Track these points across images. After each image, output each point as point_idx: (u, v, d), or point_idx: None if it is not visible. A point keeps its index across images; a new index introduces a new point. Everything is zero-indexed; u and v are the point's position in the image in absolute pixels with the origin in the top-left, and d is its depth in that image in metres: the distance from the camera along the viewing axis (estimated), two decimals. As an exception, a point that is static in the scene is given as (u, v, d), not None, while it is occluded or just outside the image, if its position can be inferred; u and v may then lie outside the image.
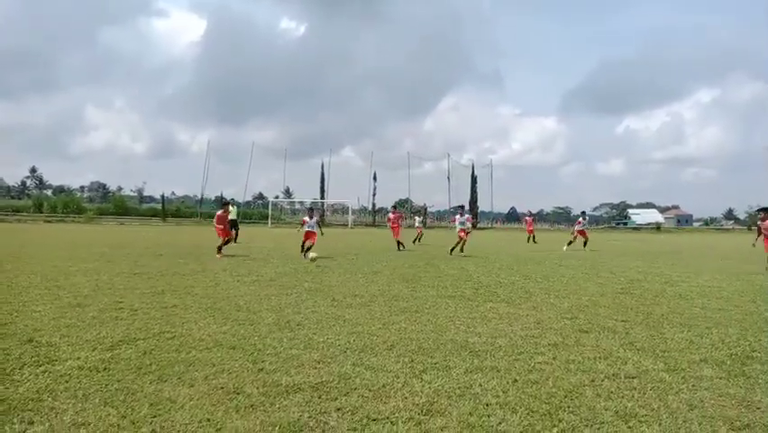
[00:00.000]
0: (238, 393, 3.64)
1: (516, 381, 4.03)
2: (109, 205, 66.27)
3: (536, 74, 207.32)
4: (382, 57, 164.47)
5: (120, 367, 4.18)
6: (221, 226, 15.35)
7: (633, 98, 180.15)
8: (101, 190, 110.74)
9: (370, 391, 3.74)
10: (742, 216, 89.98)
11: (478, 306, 7.31)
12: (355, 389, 3.77)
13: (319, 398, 3.58)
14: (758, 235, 11.76)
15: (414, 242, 22.99)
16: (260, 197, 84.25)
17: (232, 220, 21.21)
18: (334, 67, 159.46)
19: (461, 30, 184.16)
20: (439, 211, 74.89)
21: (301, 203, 76.24)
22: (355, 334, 5.44)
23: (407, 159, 68.52)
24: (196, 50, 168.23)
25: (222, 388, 3.74)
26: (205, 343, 4.97)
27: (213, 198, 66.97)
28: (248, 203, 73.74)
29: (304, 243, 14.16)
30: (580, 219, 24.33)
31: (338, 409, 3.38)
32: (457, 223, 17.57)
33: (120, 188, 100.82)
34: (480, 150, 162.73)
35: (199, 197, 66.63)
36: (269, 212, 54.13)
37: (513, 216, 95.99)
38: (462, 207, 18.68)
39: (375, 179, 65.03)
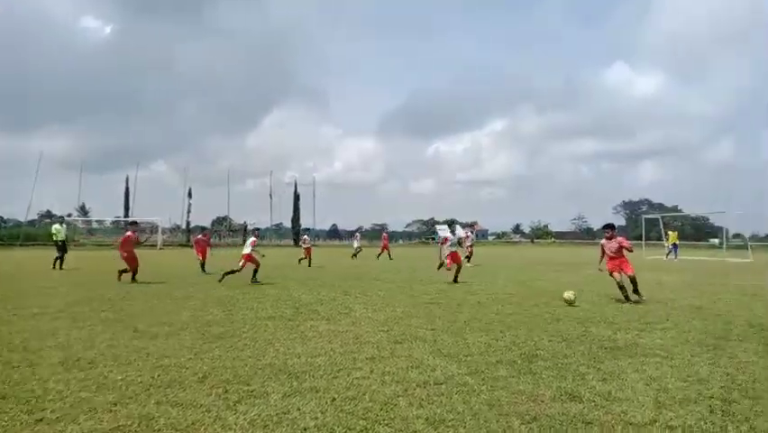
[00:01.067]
0: (5, 454, 3.00)
1: (334, 399, 4.02)
2: None
3: (358, 95, 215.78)
4: (203, 67, 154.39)
5: None
6: (125, 253, 13.31)
7: (442, 124, 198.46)
8: None
9: (176, 430, 3.38)
10: (527, 231, 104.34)
11: (298, 325, 7.20)
12: (159, 430, 3.38)
13: (114, 446, 3.13)
14: (602, 257, 10.66)
15: (299, 261, 21.55)
16: (49, 215, 72.99)
17: (60, 241, 18.10)
18: (146, 73, 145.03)
19: (288, 46, 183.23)
20: (260, 229, 73.30)
21: (99, 222, 68.16)
22: (161, 367, 4.92)
23: (228, 175, 65.98)
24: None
25: (-18, 450, 3.06)
26: (-39, 396, 4.04)
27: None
28: (32, 222, 63.19)
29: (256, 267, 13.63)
30: (468, 233, 22.33)
31: (137, 457, 2.99)
32: (446, 246, 14.07)
33: None
34: (304, 168, 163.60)
35: (-34, 215, 55.32)
36: (62, 232, 47.17)
37: (335, 234, 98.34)
38: (452, 221, 14.87)
39: (190, 195, 61.14)
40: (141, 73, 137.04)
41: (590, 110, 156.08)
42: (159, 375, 4.66)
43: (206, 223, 76.95)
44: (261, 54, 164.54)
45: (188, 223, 60.05)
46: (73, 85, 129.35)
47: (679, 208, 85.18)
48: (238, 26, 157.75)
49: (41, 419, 3.55)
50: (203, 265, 16.79)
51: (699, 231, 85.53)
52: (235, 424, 3.51)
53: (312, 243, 23.24)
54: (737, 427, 3.49)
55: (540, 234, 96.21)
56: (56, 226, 18.85)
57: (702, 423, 3.54)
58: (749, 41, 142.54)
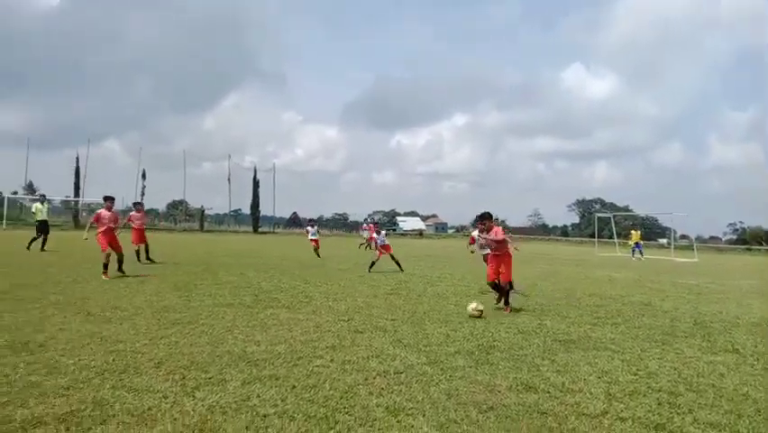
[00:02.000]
0: (-52, 440, 2.88)
1: (294, 387, 4.02)
2: None
3: (321, 83, 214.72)
4: (158, 44, 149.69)
5: None
6: (103, 230, 10.78)
7: (404, 115, 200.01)
8: None
9: (132, 416, 3.31)
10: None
11: (258, 313, 7.13)
12: (114, 415, 3.30)
13: (67, 430, 3.05)
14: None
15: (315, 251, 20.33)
16: (-7, 191, 69.54)
17: (41, 222, 17.11)
18: (98, 46, 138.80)
19: (248, 29, 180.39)
20: (218, 214, 71.68)
21: (48, 200, 65.17)
22: (115, 352, 4.79)
23: (184, 157, 64.16)
24: None
25: None
26: None
27: None
28: (-25, 199, 59.99)
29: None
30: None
31: (91, 443, 2.91)
32: (476, 244, 11.00)
33: None
34: (264, 153, 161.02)
35: None
36: (5, 211, 44.59)
37: (295, 222, 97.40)
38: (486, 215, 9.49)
39: (144, 177, 59.19)
40: (90, 46, 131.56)
41: (548, 109, 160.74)
42: (113, 360, 4.54)
43: (161, 206, 74.75)
44: (219, 33, 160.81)
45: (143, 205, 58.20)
46: (20, 56, 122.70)
47: (629, 208, 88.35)
48: (194, 2, 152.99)
49: (-14, 404, 3.42)
50: (141, 253, 14.25)
51: (648, 231, 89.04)
52: (193, 410, 3.46)
53: (317, 233, 21.13)
54: (682, 418, 3.68)
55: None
56: (36, 205, 17.78)
57: (651, 415, 3.71)
58: (700, 47, 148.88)
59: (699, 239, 64.20)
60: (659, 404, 3.95)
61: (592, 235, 44.57)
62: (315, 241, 20.52)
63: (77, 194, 53.14)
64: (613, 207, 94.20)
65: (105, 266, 10.43)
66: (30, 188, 63.24)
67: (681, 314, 8.49)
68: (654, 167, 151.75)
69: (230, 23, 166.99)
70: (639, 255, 29.94)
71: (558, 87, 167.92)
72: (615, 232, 41.96)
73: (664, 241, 60.67)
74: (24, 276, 10.05)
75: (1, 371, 4.09)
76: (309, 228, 21.33)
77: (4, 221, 42.23)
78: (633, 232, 32.77)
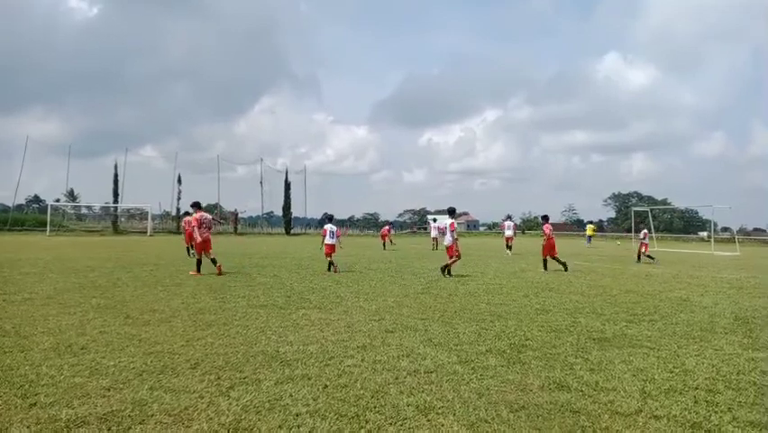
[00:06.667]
0: (-1, 438, 3.03)
1: (326, 386, 4.07)
2: None
3: (350, 83, 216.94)
4: (192, 51, 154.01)
5: None
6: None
7: (435, 113, 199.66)
8: None
9: (169, 415, 3.41)
10: (518, 222, 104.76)
11: (290, 314, 7.24)
12: (152, 415, 3.41)
13: (108, 430, 3.17)
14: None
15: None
16: (37, 200, 72.58)
17: None
18: (135, 56, 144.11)
19: (279, 33, 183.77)
20: (252, 217, 72.76)
21: (89, 207, 67.43)
22: (153, 354, 4.94)
23: (218, 162, 65.37)
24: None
25: (-24, 434, 3.07)
26: (-47, 380, 4.05)
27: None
28: (20, 207, 62.56)
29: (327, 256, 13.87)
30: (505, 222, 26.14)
31: (131, 441, 3.02)
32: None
33: None
34: (295, 155, 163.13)
35: (-48, 199, 54.38)
36: (48, 218, 46.34)
37: (326, 222, 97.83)
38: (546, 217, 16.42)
39: (180, 182, 60.53)
40: (127, 56, 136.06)
41: (582, 102, 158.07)
42: (151, 361, 4.69)
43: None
44: (251, 39, 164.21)
45: (179, 210, 59.56)
46: (59, 67, 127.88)
47: (668, 201, 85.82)
48: (227, 10, 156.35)
49: (34, 404, 3.57)
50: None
51: (688, 224, 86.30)
52: (228, 410, 3.55)
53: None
54: (720, 417, 3.58)
55: (531, 225, 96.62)
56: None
57: (687, 413, 3.62)
58: (742, 35, 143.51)
59: (741, 231, 61.88)
60: (696, 402, 3.85)
61: (629, 230, 43.58)
62: (331, 247, 14.03)
63: (116, 200, 54.76)
64: (651, 200, 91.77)
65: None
66: (71, 196, 65.51)
67: (720, 309, 8.24)
68: (695, 158, 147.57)
69: (262, 29, 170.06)
70: (587, 244, 36.68)
71: (592, 78, 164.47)
72: (652, 226, 40.85)
73: (704, 234, 58.74)
74: (66, 280, 10.44)
75: (47, 373, 4.28)
76: (329, 227, 14.40)
77: (48, 227, 43.91)
78: (588, 226, 40.29)
